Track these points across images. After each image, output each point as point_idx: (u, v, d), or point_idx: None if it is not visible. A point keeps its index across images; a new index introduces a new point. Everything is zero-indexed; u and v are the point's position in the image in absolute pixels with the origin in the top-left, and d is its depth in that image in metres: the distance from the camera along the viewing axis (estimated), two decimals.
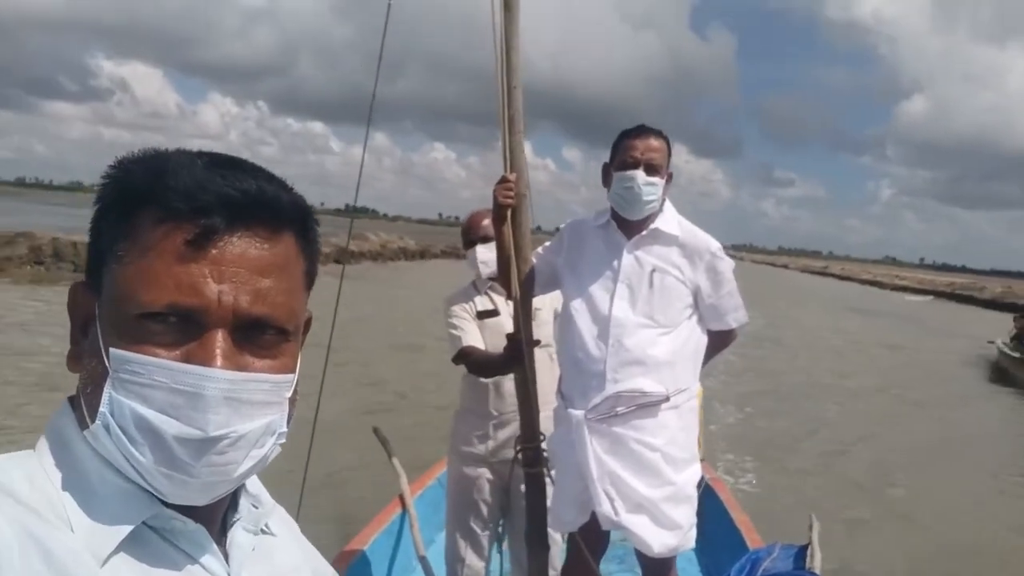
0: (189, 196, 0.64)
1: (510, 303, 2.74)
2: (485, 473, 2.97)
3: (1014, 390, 14.57)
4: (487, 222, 2.71)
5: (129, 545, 0.63)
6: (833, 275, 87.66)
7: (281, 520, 0.82)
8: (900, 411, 11.82)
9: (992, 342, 17.91)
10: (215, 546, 0.69)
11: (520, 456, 2.64)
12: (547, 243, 2.69)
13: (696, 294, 2.45)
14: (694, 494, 2.46)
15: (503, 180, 2.48)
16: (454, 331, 2.92)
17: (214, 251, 0.64)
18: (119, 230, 0.66)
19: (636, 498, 2.36)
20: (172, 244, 0.64)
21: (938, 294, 55.84)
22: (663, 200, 2.46)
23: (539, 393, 2.61)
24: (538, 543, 2.64)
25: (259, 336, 0.66)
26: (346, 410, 8.08)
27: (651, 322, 2.39)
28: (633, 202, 2.40)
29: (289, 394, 0.69)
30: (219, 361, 0.63)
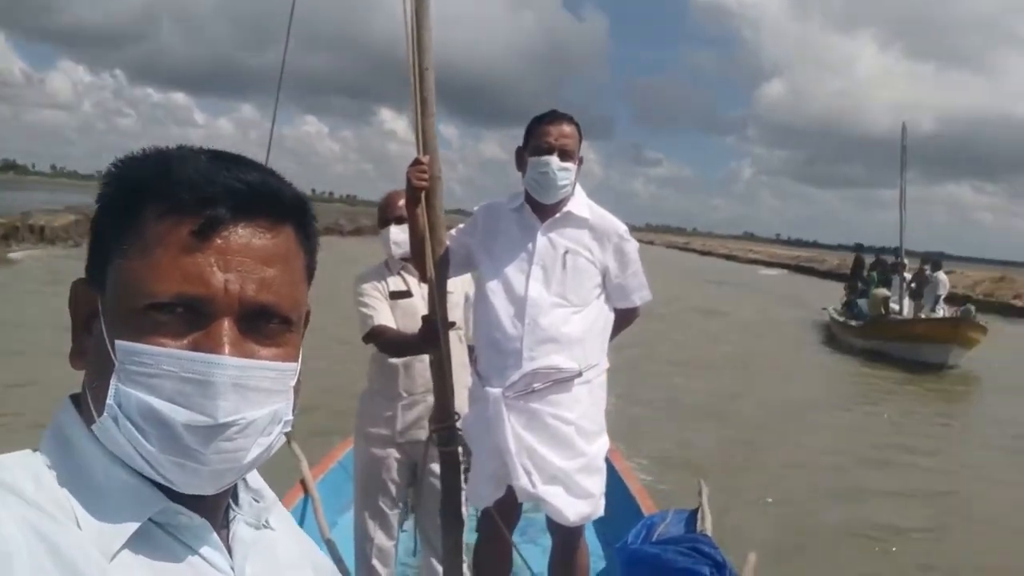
0: (194, 187, 0.64)
1: (423, 285, 2.71)
2: (393, 453, 2.96)
3: (837, 350, 16.25)
4: (403, 202, 2.66)
5: (135, 541, 0.63)
6: (695, 250, 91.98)
7: (280, 515, 0.82)
8: (755, 370, 13.24)
9: (825, 309, 19.49)
10: (219, 540, 0.69)
11: (435, 436, 2.63)
12: (460, 225, 2.69)
13: (605, 274, 2.54)
14: (604, 464, 2.55)
15: (416, 162, 2.47)
16: (365, 310, 2.87)
17: (219, 241, 0.64)
18: (124, 225, 0.66)
19: (552, 470, 2.42)
20: (178, 235, 0.64)
21: (787, 267, 59.61)
22: (574, 184, 2.51)
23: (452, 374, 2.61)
24: (453, 520, 2.66)
25: (264, 325, 0.66)
26: None
27: (564, 302, 2.45)
28: (548, 187, 2.45)
29: (293, 383, 0.69)
30: (227, 349, 0.63)
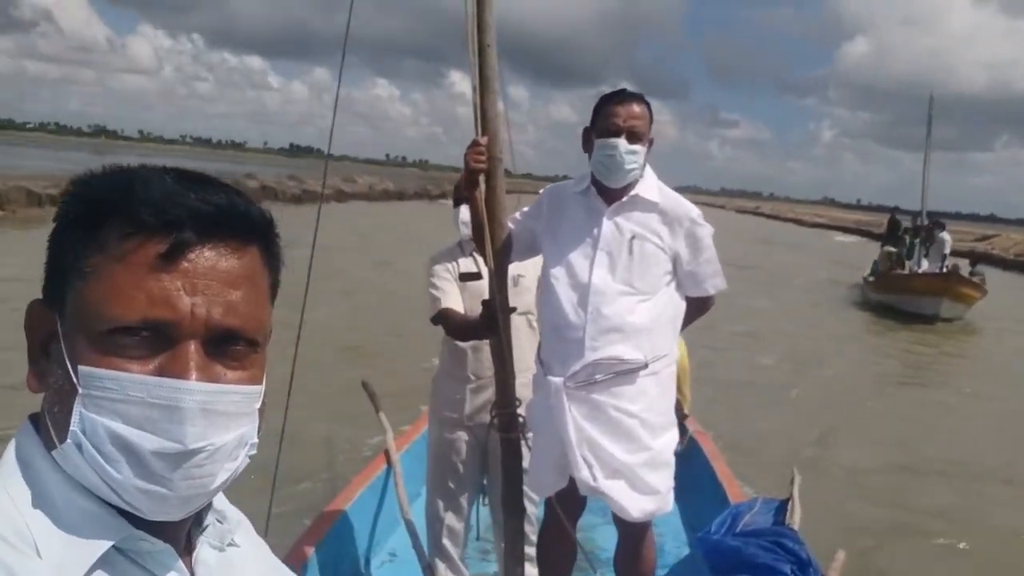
0: (160, 209, 0.62)
1: None
2: (463, 436, 2.90)
3: (859, 305, 17.23)
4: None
5: (98, 569, 0.61)
6: (763, 215, 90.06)
7: (247, 531, 0.79)
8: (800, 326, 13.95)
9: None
10: (181, 564, 0.67)
11: (496, 421, 2.51)
12: (525, 208, 2.53)
13: (675, 261, 2.36)
14: (672, 459, 2.40)
15: (474, 144, 2.34)
16: (434, 291, 2.81)
17: (186, 264, 0.62)
18: (85, 245, 0.63)
19: (614, 464, 2.29)
20: (143, 257, 0.62)
21: (847, 230, 57.30)
22: (643, 167, 2.31)
23: (518, 359, 2.53)
24: (513, 507, 2.58)
25: (230, 348, 0.65)
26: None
27: (631, 289, 2.28)
28: (615, 170, 2.28)
29: (259, 405, 0.67)
30: (194, 374, 0.61)
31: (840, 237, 53.39)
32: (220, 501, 0.75)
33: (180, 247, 0.62)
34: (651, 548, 2.54)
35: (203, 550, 0.71)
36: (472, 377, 2.85)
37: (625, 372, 2.27)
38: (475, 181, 2.33)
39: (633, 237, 2.30)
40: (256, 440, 0.68)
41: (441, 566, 2.94)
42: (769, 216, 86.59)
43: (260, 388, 0.67)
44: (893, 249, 17.31)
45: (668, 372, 2.37)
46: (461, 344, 2.82)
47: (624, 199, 2.33)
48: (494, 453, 2.79)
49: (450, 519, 2.94)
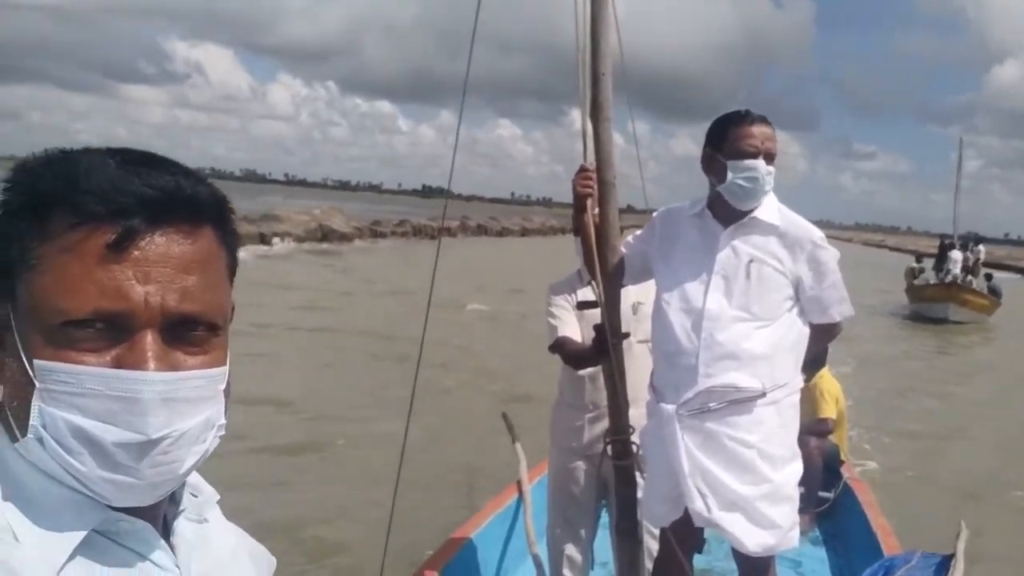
0: (105, 198, 0.59)
1: None
2: (582, 465, 2.80)
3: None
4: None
5: (81, 552, 0.60)
6: (887, 247, 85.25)
7: (215, 509, 0.77)
8: None
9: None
10: (162, 541, 0.66)
11: (609, 449, 2.35)
12: (637, 232, 2.39)
13: (797, 286, 2.18)
14: (794, 493, 2.21)
15: (581, 170, 2.31)
16: (552, 320, 2.76)
17: (136, 252, 0.60)
18: (31, 236, 0.60)
19: (730, 496, 2.12)
20: (91, 248, 0.59)
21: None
22: None
23: (638, 387, 2.41)
24: (628, 535, 2.45)
25: (189, 333, 0.62)
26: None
27: (747, 315, 2.12)
28: (755, 193, 2.15)
29: (223, 387, 0.65)
30: (152, 364, 0.59)
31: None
32: (193, 476, 0.72)
33: (129, 235, 0.59)
34: None
35: (181, 524, 0.69)
36: (590, 406, 2.75)
37: (741, 400, 2.11)
38: (583, 206, 2.28)
39: (751, 261, 2.15)
40: (224, 421, 0.66)
41: None
42: (892, 248, 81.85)
43: (223, 370, 0.65)
44: (916, 265, 20.01)
45: (789, 401, 2.19)
46: (579, 373, 2.74)
47: (743, 221, 2.19)
48: (611, 482, 2.66)
49: (570, 549, 2.82)
